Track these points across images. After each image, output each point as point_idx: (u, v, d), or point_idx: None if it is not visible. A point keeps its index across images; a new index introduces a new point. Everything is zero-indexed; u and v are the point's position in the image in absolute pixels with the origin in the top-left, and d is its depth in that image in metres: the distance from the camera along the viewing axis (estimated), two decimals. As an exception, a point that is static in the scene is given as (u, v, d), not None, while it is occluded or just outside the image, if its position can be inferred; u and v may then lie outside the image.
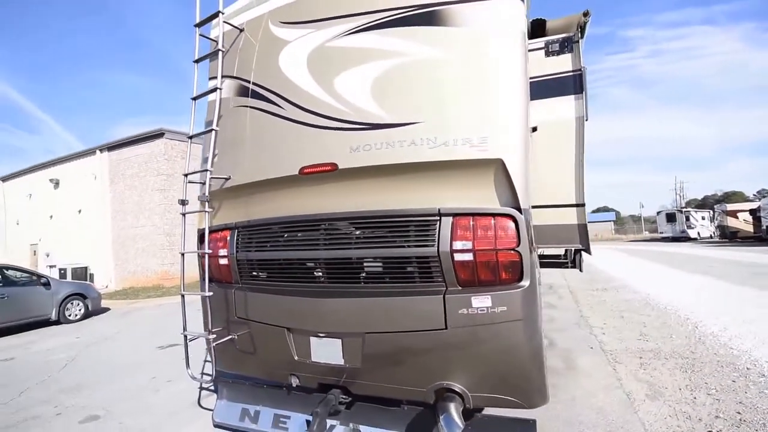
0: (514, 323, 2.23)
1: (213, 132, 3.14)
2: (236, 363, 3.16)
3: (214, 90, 3.15)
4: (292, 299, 2.79)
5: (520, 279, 2.28)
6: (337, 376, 2.63)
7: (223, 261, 3.18)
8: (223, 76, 3.27)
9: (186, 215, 3.25)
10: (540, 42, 3.57)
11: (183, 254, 3.24)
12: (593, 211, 78.90)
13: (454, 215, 2.39)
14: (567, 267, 4.46)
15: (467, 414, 2.39)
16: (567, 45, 3.48)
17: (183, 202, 3.25)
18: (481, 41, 2.42)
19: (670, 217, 39.33)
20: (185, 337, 3.10)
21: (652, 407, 3.46)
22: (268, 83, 2.99)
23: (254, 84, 3.06)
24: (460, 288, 2.34)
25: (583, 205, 3.48)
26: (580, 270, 4.27)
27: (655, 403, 3.55)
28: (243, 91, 3.12)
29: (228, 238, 3.19)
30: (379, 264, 2.57)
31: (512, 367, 2.27)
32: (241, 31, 3.23)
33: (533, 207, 3.40)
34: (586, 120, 3.57)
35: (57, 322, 8.63)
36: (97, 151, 19.48)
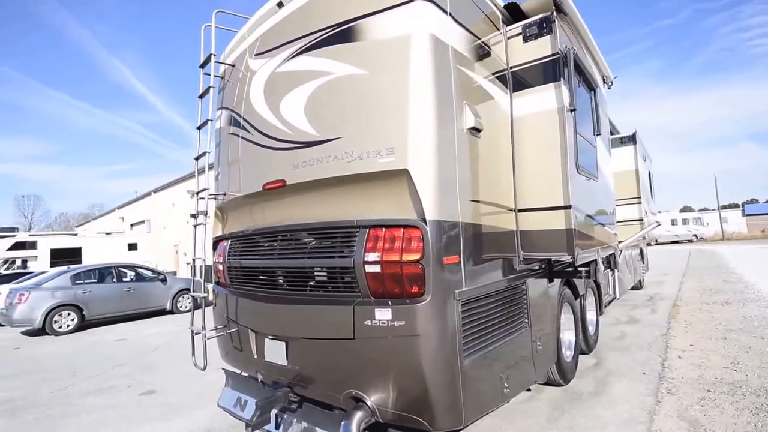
0: (412, 338, 2.16)
1: (206, 155, 3.67)
2: (228, 356, 3.62)
3: (206, 123, 3.67)
4: (256, 303, 3.11)
5: (424, 293, 2.18)
6: (284, 375, 2.84)
7: (220, 267, 3.68)
8: (222, 108, 3.81)
9: (197, 226, 3.85)
10: (518, 27, 3.22)
11: (194, 260, 3.83)
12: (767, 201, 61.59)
13: (369, 227, 2.40)
14: (579, 276, 3.85)
15: (382, 428, 2.38)
16: (545, 26, 3.07)
17: (194, 216, 3.85)
18: (386, 51, 2.41)
19: None
20: (192, 331, 3.67)
21: (675, 453, 2.83)
22: (244, 111, 3.38)
23: (239, 113, 3.47)
24: (372, 299, 2.34)
25: (573, 207, 3.04)
26: (595, 281, 3.67)
27: (685, 448, 2.89)
28: (234, 120, 3.57)
29: (225, 246, 3.69)
30: (312, 273, 2.71)
31: (413, 385, 2.19)
32: (233, 66, 3.70)
33: (519, 210, 3.14)
34: (572, 110, 3.11)
35: (171, 312, 10.64)
36: (220, 166, 23.16)
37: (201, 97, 3.88)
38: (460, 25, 2.68)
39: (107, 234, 23.55)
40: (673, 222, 33.50)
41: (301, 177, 2.77)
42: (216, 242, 3.92)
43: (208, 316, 3.65)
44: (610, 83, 4.93)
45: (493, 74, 3.08)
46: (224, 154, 3.76)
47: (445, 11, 2.49)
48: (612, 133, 7.53)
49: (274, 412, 2.96)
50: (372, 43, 2.48)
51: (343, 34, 2.61)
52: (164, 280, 10.68)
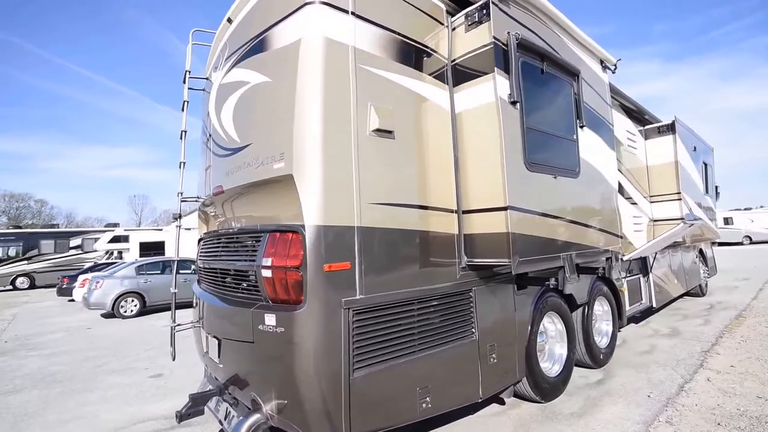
0: (290, 346, 2.17)
1: (182, 165, 3.97)
2: (199, 352, 3.91)
3: (182, 134, 3.95)
4: (207, 302, 3.31)
5: (302, 301, 2.16)
6: (218, 372, 3.00)
7: (195, 266, 3.98)
8: (201, 118, 4.10)
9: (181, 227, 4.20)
10: (461, 16, 3.00)
11: (176, 261, 4.19)
12: None
13: (268, 232, 2.45)
14: (546, 285, 3.46)
15: None
16: (485, 12, 2.82)
17: (177, 217, 4.20)
18: (282, 57, 2.43)
19: None
20: (171, 327, 4.03)
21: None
22: (209, 121, 3.61)
23: (206, 123, 3.72)
24: (270, 304, 2.39)
25: (510, 208, 2.75)
26: (563, 290, 3.26)
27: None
28: (204, 129, 3.83)
29: (199, 247, 3.98)
30: (234, 276, 2.82)
31: (292, 393, 2.20)
32: (207, 79, 3.95)
33: (464, 212, 2.95)
34: (514, 102, 2.80)
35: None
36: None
37: (183, 110, 4.22)
38: (373, 23, 2.56)
39: (186, 229, 26.31)
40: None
41: (231, 183, 2.90)
42: (198, 243, 4.24)
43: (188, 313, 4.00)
44: (612, 68, 4.34)
45: (430, 70, 2.91)
46: (201, 161, 4.03)
47: (345, 11, 2.41)
48: (650, 122, 6.63)
49: (224, 406, 3.15)
50: (276, 51, 2.51)
51: (259, 44, 2.68)
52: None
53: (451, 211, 2.93)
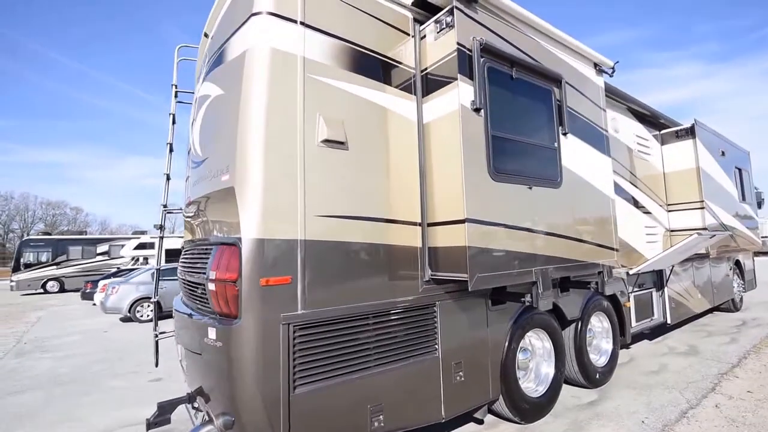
0: (228, 360, 2.16)
1: (167, 176, 4.08)
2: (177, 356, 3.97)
3: (169, 146, 4.06)
4: (179, 310, 3.36)
5: (238, 315, 2.14)
6: (187, 380, 3.03)
7: (180, 275, 4.06)
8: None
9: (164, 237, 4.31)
10: (430, 24, 2.93)
11: (158, 269, 4.29)
12: None
13: (217, 244, 2.46)
14: (524, 303, 3.26)
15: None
16: (451, 17, 2.75)
17: (159, 227, 4.30)
18: (232, 69, 2.47)
19: None
20: (154, 335, 4.11)
21: None
22: (190, 134, 3.71)
23: (189, 136, 3.82)
24: (217, 317, 2.38)
25: (469, 221, 2.64)
26: (537, 306, 3.06)
27: None
28: (188, 141, 3.93)
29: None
30: (195, 287, 2.84)
31: (233, 408, 2.17)
32: (192, 93, 4.07)
33: (429, 225, 2.87)
34: (477, 108, 2.70)
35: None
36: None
37: (172, 120, 4.36)
38: (326, 33, 2.54)
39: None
40: None
41: (194, 194, 2.96)
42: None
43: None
44: (609, 71, 4.12)
45: (396, 81, 2.87)
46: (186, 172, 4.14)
47: (294, 21, 2.41)
48: (667, 126, 6.26)
49: (201, 414, 3.17)
50: (228, 63, 2.55)
51: (219, 57, 2.74)
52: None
53: (414, 224, 2.85)
